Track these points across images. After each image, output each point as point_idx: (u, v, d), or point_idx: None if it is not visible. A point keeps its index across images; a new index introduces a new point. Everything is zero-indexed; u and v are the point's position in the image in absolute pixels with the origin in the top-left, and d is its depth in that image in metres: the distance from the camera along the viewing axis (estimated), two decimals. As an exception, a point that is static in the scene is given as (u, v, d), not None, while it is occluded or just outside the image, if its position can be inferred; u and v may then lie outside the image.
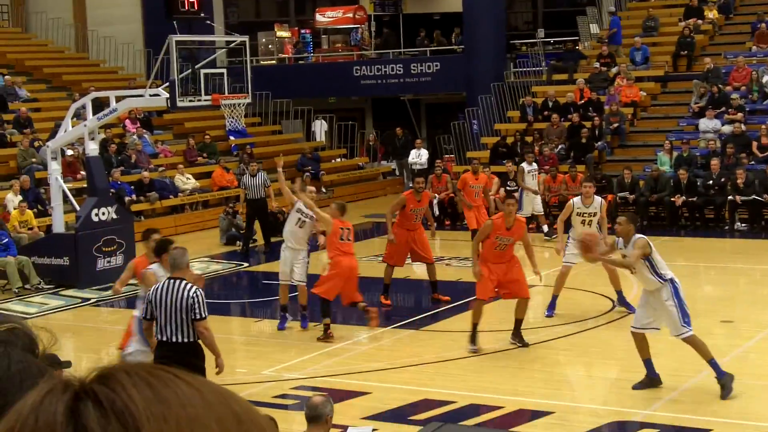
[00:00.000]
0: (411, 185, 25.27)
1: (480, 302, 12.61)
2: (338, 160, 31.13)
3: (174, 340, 9.24)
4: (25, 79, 28.20)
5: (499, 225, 12.43)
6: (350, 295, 13.36)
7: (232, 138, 28.68)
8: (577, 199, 14.41)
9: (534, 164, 21.88)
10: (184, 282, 9.31)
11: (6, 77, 27.23)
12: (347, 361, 12.52)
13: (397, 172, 30.97)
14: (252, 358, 12.74)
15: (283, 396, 11.15)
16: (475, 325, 12.58)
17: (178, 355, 8.95)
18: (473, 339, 12.58)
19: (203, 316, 9.24)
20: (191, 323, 9.20)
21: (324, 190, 28.26)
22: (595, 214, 14.27)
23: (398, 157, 30.96)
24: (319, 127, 32.09)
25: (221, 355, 9.66)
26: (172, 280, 9.32)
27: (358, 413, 10.34)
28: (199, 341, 9.37)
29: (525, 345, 12.60)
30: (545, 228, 20.89)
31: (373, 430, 9.61)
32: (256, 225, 20.75)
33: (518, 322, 12.72)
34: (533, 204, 21.40)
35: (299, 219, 13.85)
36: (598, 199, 14.43)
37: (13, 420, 0.93)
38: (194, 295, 9.19)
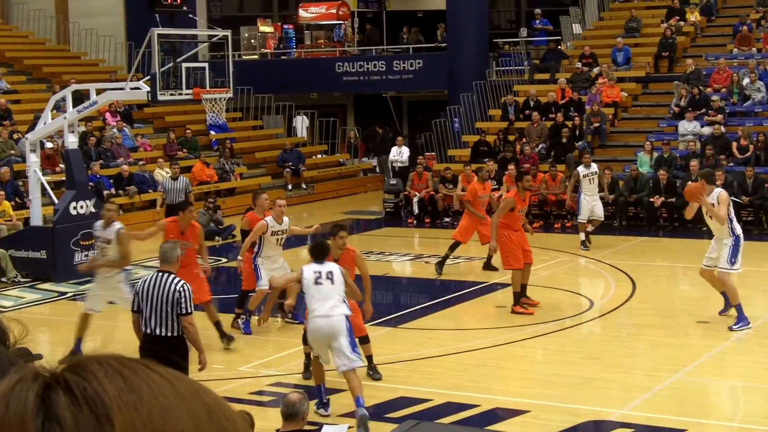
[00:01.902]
0: (392, 182, 25.36)
1: (518, 272, 14.14)
2: (319, 156, 31.10)
3: (158, 333, 9.25)
4: (6, 70, 28.02)
5: (519, 200, 14.23)
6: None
7: (212, 133, 28.60)
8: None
9: (593, 166, 19.83)
10: (172, 276, 9.34)
11: (-15, 68, 27.07)
12: (324, 357, 12.49)
13: (378, 170, 30.96)
14: (229, 354, 12.70)
15: (259, 392, 11.13)
16: (516, 293, 14.17)
17: (161, 349, 8.94)
18: (517, 300, 14.16)
19: (189, 311, 9.26)
20: (176, 318, 9.21)
21: (304, 186, 28.24)
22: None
23: (378, 154, 30.95)
24: (301, 122, 32.05)
25: (204, 351, 9.65)
26: (160, 273, 9.34)
27: (334, 411, 10.32)
28: (183, 336, 9.36)
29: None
30: (582, 236, 19.38)
31: (349, 427, 9.60)
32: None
33: (525, 287, 14.30)
34: (593, 209, 19.44)
35: (278, 240, 13.39)
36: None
37: None
38: (181, 289, 9.21)
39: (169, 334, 9.26)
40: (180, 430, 0.93)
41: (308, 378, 11.00)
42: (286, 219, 13.35)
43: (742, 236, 13.30)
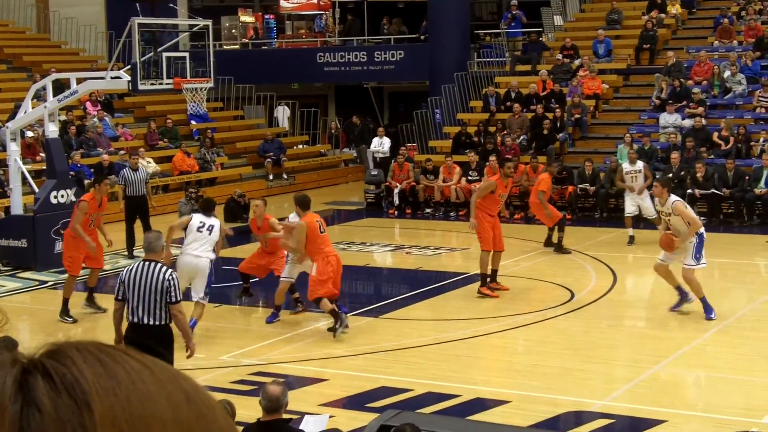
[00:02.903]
0: (373, 173, 25.36)
1: (486, 254, 14.68)
2: (300, 146, 31.05)
3: (145, 322, 9.28)
4: (-15, 58, 27.84)
5: (500, 184, 14.75)
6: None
7: (193, 122, 28.50)
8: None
9: (638, 163, 19.42)
10: (159, 264, 9.38)
11: (-35, 56, 26.87)
12: (305, 347, 12.51)
13: (358, 160, 30.94)
14: (210, 343, 12.68)
15: (240, 382, 11.12)
16: (483, 275, 14.70)
17: (148, 338, 8.95)
18: (483, 281, 14.75)
19: (178, 299, 9.34)
20: (164, 306, 9.26)
21: (285, 176, 28.20)
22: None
23: (357, 145, 30.92)
24: (282, 113, 31.98)
25: (192, 338, 9.67)
26: (146, 263, 9.38)
27: (316, 400, 10.33)
28: (170, 324, 9.39)
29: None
30: (660, 228, 19.39)
31: (330, 416, 9.61)
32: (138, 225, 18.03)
33: (495, 272, 14.87)
34: (643, 206, 19.11)
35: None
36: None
37: None
38: (170, 278, 9.27)
39: (157, 322, 9.29)
40: (159, 416, 0.92)
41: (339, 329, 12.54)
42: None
43: (704, 232, 13.48)
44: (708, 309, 13.29)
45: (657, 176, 20.90)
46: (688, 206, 13.67)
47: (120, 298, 9.43)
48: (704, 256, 13.35)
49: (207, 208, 13.17)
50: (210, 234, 12.82)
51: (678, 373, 11.35)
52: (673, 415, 9.78)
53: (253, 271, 14.35)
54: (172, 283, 9.25)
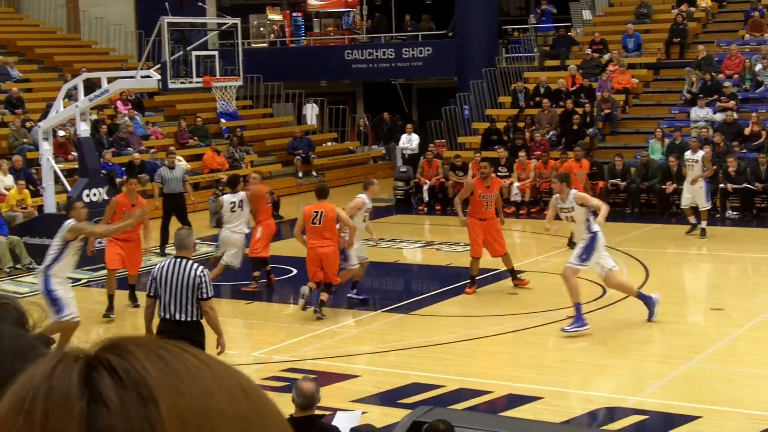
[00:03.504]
0: (402, 170, 25.36)
1: (474, 260, 14.84)
2: (329, 143, 31.08)
3: (177, 318, 9.36)
4: (17, 59, 28.06)
5: (479, 184, 14.62)
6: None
7: (223, 120, 28.61)
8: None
9: (700, 152, 19.16)
10: (190, 261, 9.47)
11: (-3, 57, 27.11)
12: (337, 344, 12.53)
13: (387, 157, 30.93)
14: (242, 340, 12.75)
15: (272, 378, 11.16)
16: (472, 276, 14.87)
17: (180, 334, 9.01)
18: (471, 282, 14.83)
19: (209, 295, 9.42)
20: (196, 302, 9.34)
21: (314, 173, 28.24)
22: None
23: (386, 142, 30.93)
24: (310, 110, 32.02)
25: (223, 334, 9.72)
26: (177, 259, 9.46)
27: (347, 396, 10.35)
28: (201, 321, 9.45)
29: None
30: (703, 224, 18.88)
31: (363, 413, 9.62)
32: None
33: (513, 271, 15.04)
34: (695, 195, 18.91)
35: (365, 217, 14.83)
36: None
37: (24, 390, 0.92)
38: (201, 274, 9.34)
39: (189, 318, 9.38)
40: (220, 410, 0.92)
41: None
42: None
43: (599, 235, 12.75)
44: (578, 319, 12.41)
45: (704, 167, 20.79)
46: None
47: (152, 294, 9.52)
48: (592, 259, 12.61)
49: (232, 184, 15.36)
50: (242, 209, 14.97)
51: (711, 368, 11.27)
52: (707, 411, 9.72)
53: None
54: (203, 279, 9.32)
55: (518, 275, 15.13)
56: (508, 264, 14.99)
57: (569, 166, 18.48)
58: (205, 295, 9.34)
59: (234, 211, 14.93)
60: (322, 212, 13.56)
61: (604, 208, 13.06)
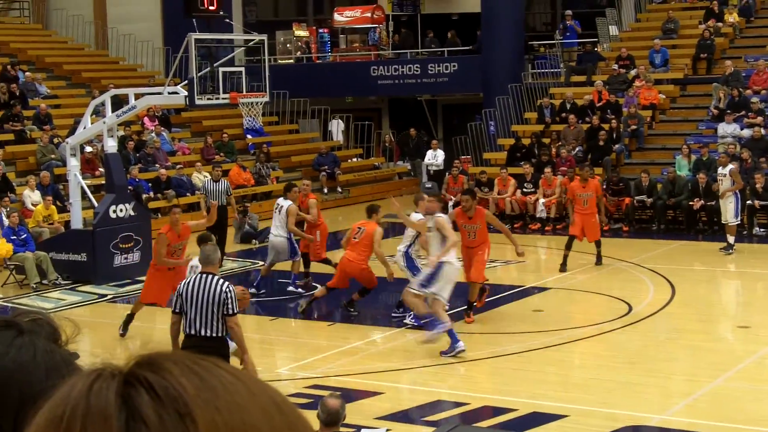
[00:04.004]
0: (427, 185, 25.35)
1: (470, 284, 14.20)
2: (354, 159, 31.14)
3: (203, 334, 9.38)
4: (46, 75, 28.33)
5: (459, 214, 14.11)
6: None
7: (249, 137, 28.74)
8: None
9: (729, 166, 19.19)
10: (216, 277, 9.48)
11: (26, 73, 27.37)
12: (361, 360, 12.52)
13: (413, 173, 30.96)
14: (266, 356, 12.75)
15: (297, 395, 11.16)
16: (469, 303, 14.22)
17: (205, 350, 9.04)
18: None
19: (235, 311, 9.42)
20: (221, 318, 9.35)
21: (340, 189, 28.29)
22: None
23: (412, 158, 30.96)
24: (336, 126, 32.11)
25: (248, 351, 9.73)
26: (203, 275, 9.47)
27: (372, 413, 10.33)
28: (226, 337, 9.49)
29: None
30: (730, 239, 18.84)
31: (387, 430, 9.60)
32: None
33: (469, 303, 14.09)
34: (724, 210, 18.97)
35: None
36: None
37: (61, 406, 0.92)
38: (227, 290, 9.36)
39: (214, 334, 9.39)
40: (255, 426, 0.93)
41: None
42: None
43: (447, 267, 12.48)
44: (440, 324, 12.32)
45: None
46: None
47: (177, 311, 9.52)
48: (435, 287, 12.35)
49: (285, 189, 16.51)
50: (279, 214, 15.85)
51: (738, 387, 11.17)
52: (733, 430, 9.64)
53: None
54: (229, 295, 9.33)
55: (470, 311, 14.17)
56: (471, 295, 14.04)
57: (573, 186, 18.08)
58: (230, 311, 9.34)
59: (277, 213, 15.99)
60: (363, 229, 14.31)
61: (449, 245, 12.47)
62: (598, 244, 17.76)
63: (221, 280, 9.48)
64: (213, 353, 7.41)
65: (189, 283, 9.49)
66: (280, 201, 16.18)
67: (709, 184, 21.03)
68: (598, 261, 17.81)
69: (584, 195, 17.54)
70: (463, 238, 14.16)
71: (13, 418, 1.14)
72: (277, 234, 15.91)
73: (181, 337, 9.64)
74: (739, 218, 19.06)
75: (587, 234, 17.56)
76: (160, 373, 0.93)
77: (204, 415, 0.91)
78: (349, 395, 10.45)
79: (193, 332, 9.40)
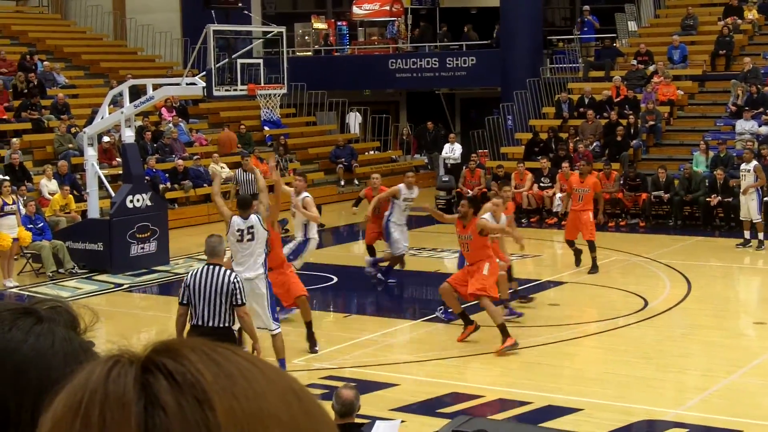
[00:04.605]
0: (444, 179, 25.34)
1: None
2: (372, 152, 31.14)
3: (210, 324, 9.41)
4: (64, 65, 28.42)
5: (458, 224, 12.89)
6: None
7: (266, 128, 28.78)
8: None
9: (753, 162, 19.18)
10: (222, 268, 9.52)
11: (45, 63, 27.47)
12: (376, 352, 12.54)
13: (429, 167, 30.94)
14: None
15: (312, 386, 11.18)
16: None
17: (213, 339, 9.04)
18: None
19: (243, 301, 9.49)
20: (230, 308, 9.40)
21: (356, 182, 28.31)
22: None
23: (429, 151, 30.94)
24: (354, 119, 32.11)
25: (259, 339, 9.76)
26: (210, 266, 9.50)
27: (387, 405, 10.35)
28: (233, 327, 9.50)
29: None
30: (760, 235, 18.83)
31: (401, 422, 9.61)
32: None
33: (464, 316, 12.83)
34: (749, 206, 19.02)
35: (405, 207, 15.74)
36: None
37: (80, 393, 0.93)
38: (235, 280, 9.43)
39: (222, 324, 9.45)
40: (274, 413, 0.93)
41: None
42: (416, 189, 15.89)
43: (312, 242, 14.36)
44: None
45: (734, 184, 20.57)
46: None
47: (184, 302, 9.54)
48: (300, 262, 14.23)
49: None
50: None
51: (754, 382, 11.14)
52: (748, 425, 9.61)
53: (375, 238, 15.90)
54: (237, 285, 9.40)
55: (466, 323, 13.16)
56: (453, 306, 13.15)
57: (572, 180, 17.54)
58: (239, 301, 9.42)
59: None
60: None
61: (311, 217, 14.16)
62: (592, 247, 16.65)
63: (228, 271, 9.53)
64: (222, 341, 7.64)
65: (196, 274, 9.51)
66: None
67: (726, 181, 20.96)
68: (593, 269, 16.68)
69: (581, 190, 16.92)
70: (463, 250, 13.06)
71: (32, 405, 1.14)
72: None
73: (187, 328, 9.66)
74: (761, 215, 19.00)
75: (582, 231, 16.69)
76: (178, 360, 0.93)
77: (222, 402, 0.91)
78: (364, 386, 10.47)
79: (200, 323, 9.44)
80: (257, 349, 9.79)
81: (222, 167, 24.33)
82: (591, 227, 16.68)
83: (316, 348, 12.41)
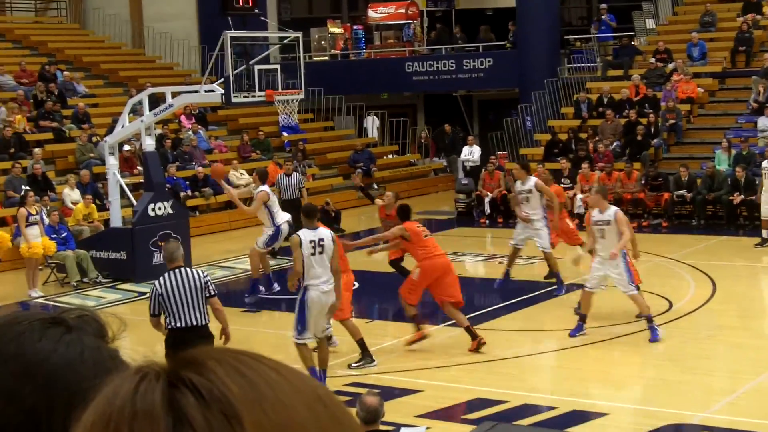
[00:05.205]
0: (464, 182, 25.30)
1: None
2: (390, 156, 31.13)
3: (194, 323, 9.70)
4: (84, 74, 28.55)
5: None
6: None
7: (285, 134, 28.81)
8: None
9: None
10: (187, 268, 9.96)
11: (65, 73, 27.60)
12: (399, 358, 12.52)
13: (448, 169, 30.90)
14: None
15: (336, 392, 11.16)
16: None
17: (192, 339, 9.43)
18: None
19: (216, 292, 9.91)
20: (205, 303, 9.76)
21: (375, 186, 28.30)
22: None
23: (448, 154, 30.91)
24: (371, 123, 32.11)
25: (229, 326, 10.19)
26: (174, 270, 9.83)
27: (411, 411, 10.32)
28: (208, 323, 9.90)
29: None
30: (764, 233, 18.82)
31: (426, 428, 9.59)
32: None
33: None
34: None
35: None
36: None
37: (108, 408, 0.93)
38: (204, 274, 9.91)
39: (203, 321, 9.78)
40: (301, 424, 0.93)
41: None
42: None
43: (285, 226, 15.09)
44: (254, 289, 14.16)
45: (756, 181, 20.45)
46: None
47: (156, 313, 9.83)
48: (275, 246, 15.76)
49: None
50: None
51: (782, 384, 11.05)
52: (777, 429, 9.53)
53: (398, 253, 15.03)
54: (208, 278, 9.87)
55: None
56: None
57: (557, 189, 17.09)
58: (213, 292, 9.81)
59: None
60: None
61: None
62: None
63: (194, 269, 10.00)
64: (202, 340, 7.80)
65: (165, 282, 9.77)
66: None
67: (748, 178, 20.83)
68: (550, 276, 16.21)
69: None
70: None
71: (62, 415, 1.15)
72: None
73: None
74: None
75: (567, 239, 16.62)
76: (204, 374, 0.93)
77: (250, 416, 0.91)
78: (388, 393, 10.45)
79: (181, 325, 9.70)
80: (227, 335, 10.08)
81: (241, 173, 24.37)
82: (573, 234, 16.74)
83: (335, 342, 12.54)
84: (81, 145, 23.22)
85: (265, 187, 15.52)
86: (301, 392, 0.95)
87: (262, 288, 15.74)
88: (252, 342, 13.04)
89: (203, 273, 9.93)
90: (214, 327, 10.11)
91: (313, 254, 10.86)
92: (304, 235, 10.93)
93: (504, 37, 31.56)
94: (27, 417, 1.16)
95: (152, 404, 0.91)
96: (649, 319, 12.56)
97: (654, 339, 12.42)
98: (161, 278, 9.87)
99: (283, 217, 15.45)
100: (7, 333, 1.22)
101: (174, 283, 9.69)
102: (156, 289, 9.78)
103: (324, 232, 11.06)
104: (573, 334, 12.74)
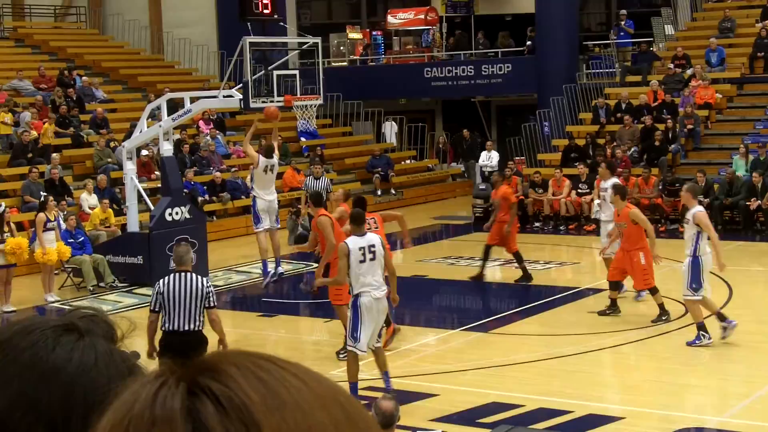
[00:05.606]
0: (481, 187, 25.28)
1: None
2: (408, 161, 31.14)
3: (185, 328, 9.77)
4: (102, 80, 28.71)
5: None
6: None
7: (303, 139, 28.87)
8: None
9: None
10: (193, 274, 9.96)
11: (83, 78, 27.76)
12: (415, 362, 12.52)
13: (466, 175, 30.90)
14: (320, 357, 12.80)
15: (351, 396, 11.17)
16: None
17: (187, 344, 9.54)
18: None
19: (215, 303, 9.98)
20: (203, 311, 9.81)
21: (393, 191, 28.33)
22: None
23: (466, 160, 30.90)
24: (390, 128, 32.14)
25: (226, 338, 10.22)
26: (180, 273, 9.88)
27: (426, 415, 10.33)
28: (203, 330, 9.95)
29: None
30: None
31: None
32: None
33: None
34: None
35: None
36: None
37: (126, 416, 0.93)
38: (208, 284, 9.94)
39: (196, 328, 9.84)
40: (321, 430, 0.92)
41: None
42: None
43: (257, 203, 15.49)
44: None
45: None
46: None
47: (156, 309, 9.88)
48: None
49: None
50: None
51: (798, 390, 10.99)
52: (793, 434, 9.49)
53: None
54: (211, 289, 9.91)
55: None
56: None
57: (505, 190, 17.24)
58: (212, 304, 9.87)
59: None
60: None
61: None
62: (517, 258, 16.83)
63: (199, 276, 9.99)
64: (194, 346, 7.91)
65: (168, 282, 9.84)
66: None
67: (765, 184, 20.74)
68: (525, 278, 16.82)
69: (494, 201, 17.18)
70: None
71: (80, 423, 1.15)
72: None
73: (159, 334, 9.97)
74: None
75: (505, 244, 16.77)
76: (223, 381, 0.92)
77: (270, 424, 0.90)
78: (404, 397, 10.46)
79: (174, 328, 9.78)
80: (226, 345, 10.08)
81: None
82: (510, 239, 16.77)
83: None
84: (99, 150, 23.34)
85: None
86: (321, 396, 0.95)
87: (270, 270, 16.12)
88: (267, 346, 13.09)
89: (207, 282, 9.97)
90: (213, 337, 10.12)
91: (362, 261, 10.48)
92: (353, 242, 10.54)
93: (522, 43, 31.55)
94: (46, 426, 1.16)
95: (172, 411, 0.91)
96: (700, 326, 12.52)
97: (693, 343, 12.46)
98: (166, 278, 9.98)
99: (264, 196, 16.23)
100: (20, 342, 1.22)
101: (176, 285, 9.77)
102: (159, 287, 9.89)
103: (374, 238, 10.69)
104: (692, 343, 12.56)
